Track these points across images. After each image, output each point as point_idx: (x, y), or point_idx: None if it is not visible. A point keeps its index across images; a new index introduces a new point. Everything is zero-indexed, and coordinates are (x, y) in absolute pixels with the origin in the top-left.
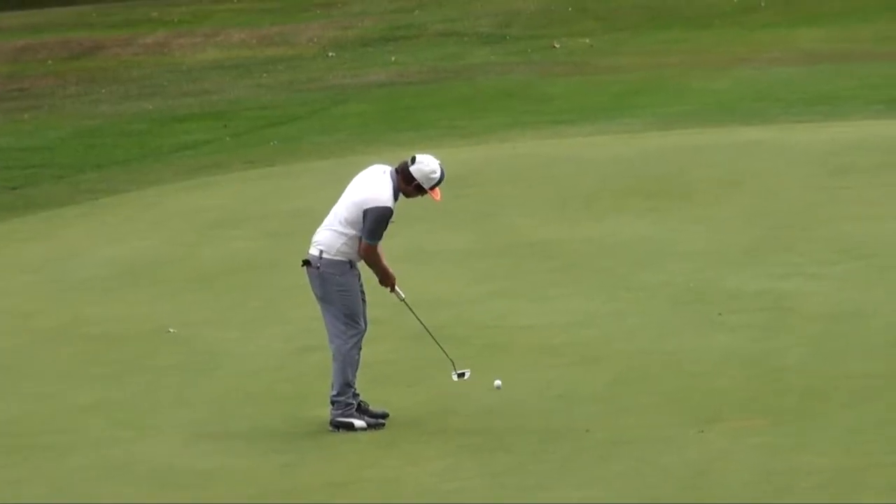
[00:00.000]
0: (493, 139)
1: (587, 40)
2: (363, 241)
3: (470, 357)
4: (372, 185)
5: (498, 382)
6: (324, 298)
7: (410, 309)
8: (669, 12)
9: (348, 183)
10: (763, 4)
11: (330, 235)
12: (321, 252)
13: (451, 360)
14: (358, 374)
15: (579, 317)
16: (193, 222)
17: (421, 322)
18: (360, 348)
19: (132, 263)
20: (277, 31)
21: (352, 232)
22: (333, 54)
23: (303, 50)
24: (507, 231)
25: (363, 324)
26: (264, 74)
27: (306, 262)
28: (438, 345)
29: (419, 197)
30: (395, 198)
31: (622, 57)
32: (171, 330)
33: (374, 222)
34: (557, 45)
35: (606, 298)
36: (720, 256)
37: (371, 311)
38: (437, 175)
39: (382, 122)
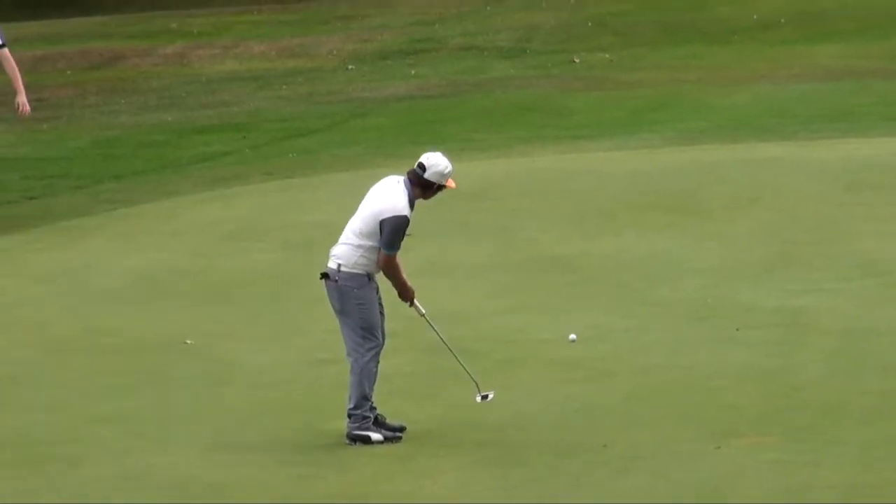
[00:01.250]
0: (512, 153)
1: (606, 55)
2: (381, 251)
3: (487, 371)
4: (387, 195)
5: (573, 336)
6: (342, 311)
7: (431, 325)
8: (688, 28)
9: (365, 195)
10: (782, 21)
11: (347, 249)
12: (339, 265)
13: (475, 381)
14: (375, 386)
15: (597, 331)
16: (211, 234)
17: (443, 340)
18: (378, 361)
19: (150, 275)
20: (297, 44)
21: (369, 244)
22: (353, 67)
23: (322, 62)
24: (525, 245)
25: (381, 337)
26: (283, 87)
27: (325, 275)
28: (461, 364)
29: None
30: (412, 206)
31: (641, 72)
32: (188, 341)
33: (392, 232)
34: (577, 60)
35: (624, 313)
36: (737, 272)
37: (388, 324)
38: (450, 167)
39: (401, 135)
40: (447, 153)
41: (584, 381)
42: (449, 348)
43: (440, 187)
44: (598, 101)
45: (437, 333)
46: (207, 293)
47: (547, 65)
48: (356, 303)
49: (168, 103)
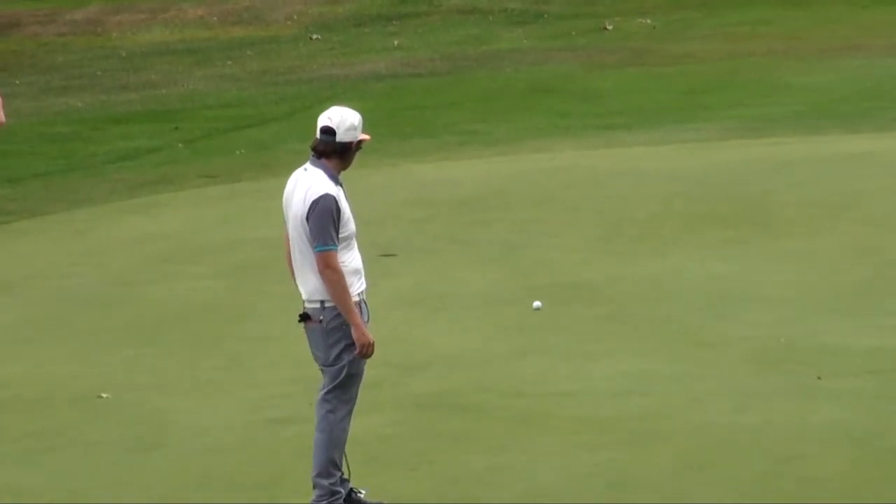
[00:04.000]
0: (524, 148)
1: (647, 21)
2: (315, 252)
3: (495, 433)
4: (302, 188)
5: (537, 304)
6: (328, 362)
7: None
8: None
9: (285, 210)
10: None
11: (313, 275)
12: (322, 302)
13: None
14: (346, 452)
15: (634, 381)
16: (135, 255)
17: None
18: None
19: (55, 307)
20: (246, 7)
21: None
22: (318, 37)
23: (279, 31)
24: (541, 269)
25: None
26: (228, 62)
27: (304, 317)
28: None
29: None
30: (337, 183)
31: (692, 42)
32: (104, 395)
33: (319, 219)
34: (609, 27)
35: (670, 357)
36: (818, 303)
37: (366, 372)
38: (359, 116)
39: (382, 126)
40: (442, 148)
41: (620, 447)
42: None
43: (358, 145)
44: (636, 81)
45: None
46: (130, 332)
47: (570, 33)
48: (347, 344)
49: (78, 84)
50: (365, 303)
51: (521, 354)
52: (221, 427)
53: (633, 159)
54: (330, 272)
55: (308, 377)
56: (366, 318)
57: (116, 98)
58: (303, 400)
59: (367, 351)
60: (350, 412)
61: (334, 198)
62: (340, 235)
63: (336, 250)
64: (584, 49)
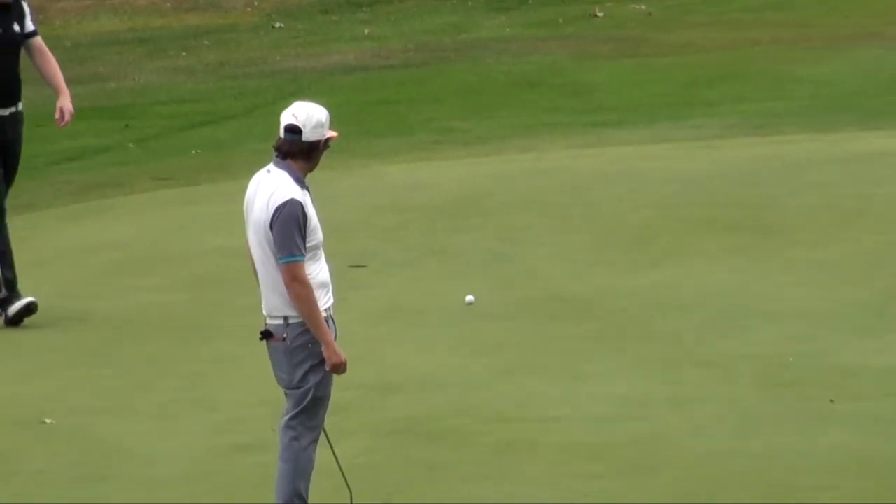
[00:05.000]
0: (508, 148)
1: (642, 6)
2: (280, 264)
3: (475, 461)
4: (265, 192)
5: (470, 298)
6: (293, 384)
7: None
8: None
9: (245, 218)
10: None
11: (276, 289)
12: (286, 318)
13: (349, 488)
14: (312, 482)
15: (628, 405)
16: (82, 265)
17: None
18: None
19: None
20: None
21: None
22: (282, 25)
23: (238, 18)
24: (526, 280)
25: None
26: (182, 53)
27: (267, 335)
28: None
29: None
30: (303, 186)
31: (691, 31)
32: (48, 420)
33: (284, 227)
34: (600, 14)
35: (668, 378)
36: (831, 318)
37: (333, 395)
38: (326, 111)
39: (351, 123)
40: (417, 147)
41: (613, 476)
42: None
43: (326, 143)
44: (631, 73)
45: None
46: (77, 350)
47: (557, 20)
48: (312, 364)
49: None
50: (332, 318)
51: (505, 375)
52: (178, 455)
53: (626, 159)
54: (297, 285)
55: (274, 399)
56: (333, 336)
57: None
58: (268, 424)
59: (339, 371)
60: (316, 440)
61: (300, 203)
62: (307, 245)
63: (303, 261)
64: (573, 38)
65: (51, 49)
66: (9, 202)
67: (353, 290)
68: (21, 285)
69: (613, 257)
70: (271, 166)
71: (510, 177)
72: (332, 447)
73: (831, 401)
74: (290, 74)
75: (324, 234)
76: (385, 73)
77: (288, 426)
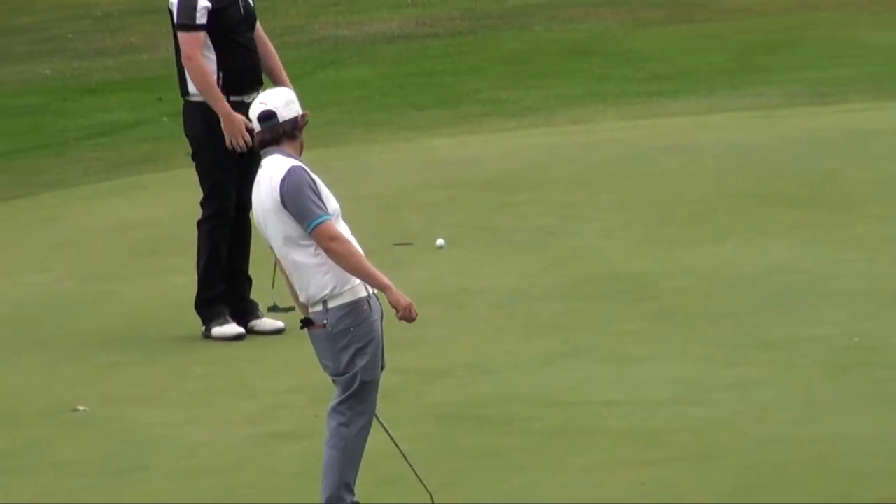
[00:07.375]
0: (558, 119)
1: None
2: (310, 233)
3: (526, 449)
4: (265, 182)
5: (440, 241)
6: (339, 370)
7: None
8: None
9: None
10: None
11: (312, 279)
12: (325, 302)
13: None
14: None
15: (686, 389)
16: (113, 246)
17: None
18: (369, 433)
19: (20, 309)
20: None
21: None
22: None
23: None
24: (578, 259)
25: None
26: None
27: (307, 322)
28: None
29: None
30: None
31: None
32: (81, 408)
33: (296, 195)
34: None
35: (728, 361)
36: None
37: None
38: (293, 91)
39: (393, 95)
40: (463, 119)
41: (671, 464)
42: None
43: (303, 119)
44: (686, 40)
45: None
46: (108, 336)
47: None
48: (358, 347)
49: (46, 49)
50: (376, 296)
51: (557, 358)
52: (213, 444)
53: (682, 131)
54: (335, 244)
55: (314, 385)
56: (377, 316)
57: (91, 65)
58: (308, 411)
59: (410, 315)
60: (367, 426)
61: (302, 167)
62: None
63: (331, 219)
64: (625, 3)
65: (80, 19)
66: (37, 179)
67: (398, 270)
68: (49, 268)
69: (669, 234)
70: (262, 161)
71: (560, 150)
72: (391, 436)
73: None
74: (329, 43)
75: (366, 210)
76: (429, 41)
77: (336, 411)
